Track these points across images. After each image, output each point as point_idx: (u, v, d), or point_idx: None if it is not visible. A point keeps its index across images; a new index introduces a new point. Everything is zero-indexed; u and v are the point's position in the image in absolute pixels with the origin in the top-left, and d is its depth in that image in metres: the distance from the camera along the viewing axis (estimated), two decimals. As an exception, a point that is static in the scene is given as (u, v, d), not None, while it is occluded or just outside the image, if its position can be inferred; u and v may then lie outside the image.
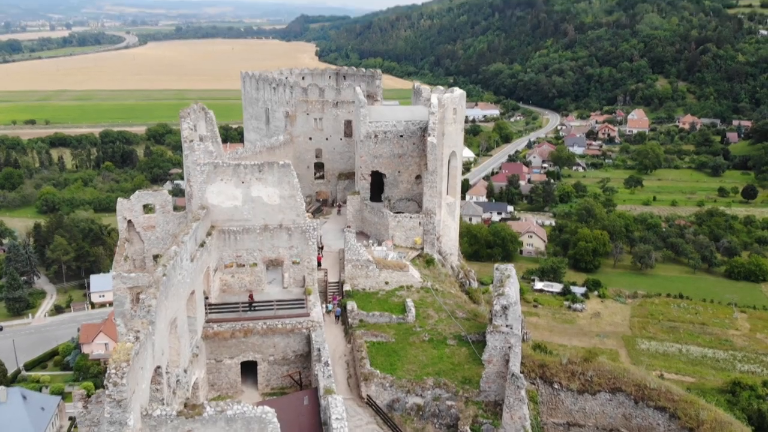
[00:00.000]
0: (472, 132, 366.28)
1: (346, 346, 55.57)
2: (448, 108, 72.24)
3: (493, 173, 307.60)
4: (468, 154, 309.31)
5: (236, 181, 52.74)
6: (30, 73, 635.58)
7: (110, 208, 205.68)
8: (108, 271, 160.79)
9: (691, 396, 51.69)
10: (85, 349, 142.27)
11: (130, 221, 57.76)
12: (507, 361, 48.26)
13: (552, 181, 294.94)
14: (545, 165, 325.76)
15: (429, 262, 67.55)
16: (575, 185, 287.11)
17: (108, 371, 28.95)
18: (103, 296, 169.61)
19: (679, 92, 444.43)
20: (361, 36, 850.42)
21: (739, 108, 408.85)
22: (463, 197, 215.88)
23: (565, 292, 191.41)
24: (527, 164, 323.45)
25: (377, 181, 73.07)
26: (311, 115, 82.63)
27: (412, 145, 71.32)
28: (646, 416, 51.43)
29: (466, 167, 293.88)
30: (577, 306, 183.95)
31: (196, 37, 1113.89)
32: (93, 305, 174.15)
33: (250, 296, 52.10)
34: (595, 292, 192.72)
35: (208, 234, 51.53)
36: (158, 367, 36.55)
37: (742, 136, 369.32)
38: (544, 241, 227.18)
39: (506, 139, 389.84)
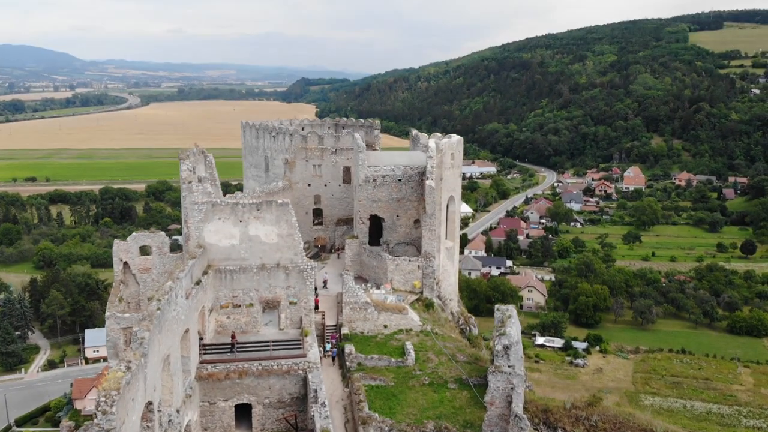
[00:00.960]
0: (469, 188, 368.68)
1: (344, 390, 54.11)
2: (446, 153, 72.55)
3: (491, 228, 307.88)
4: (466, 209, 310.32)
5: (234, 220, 52.43)
6: (32, 132, 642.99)
7: (108, 264, 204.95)
8: (103, 326, 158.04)
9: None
10: (78, 405, 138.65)
11: (126, 263, 57.28)
12: (509, 403, 46.94)
13: (550, 236, 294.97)
14: (543, 221, 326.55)
15: (428, 305, 66.57)
16: (574, 240, 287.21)
17: (97, 399, 27.96)
18: (98, 351, 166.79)
19: (675, 150, 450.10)
20: (360, 97, 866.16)
21: (734, 165, 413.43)
22: (461, 251, 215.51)
23: (567, 348, 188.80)
24: (525, 220, 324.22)
25: (376, 225, 72.81)
26: (310, 161, 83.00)
27: (410, 190, 71.35)
28: (654, 461, 49.70)
29: (464, 222, 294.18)
30: (579, 361, 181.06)
31: (197, 99, 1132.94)
32: (87, 360, 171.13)
33: (233, 337, 50.98)
34: (597, 348, 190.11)
35: (205, 273, 50.87)
36: (150, 403, 35.40)
37: (739, 192, 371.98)
38: (545, 296, 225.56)
39: (503, 195, 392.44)
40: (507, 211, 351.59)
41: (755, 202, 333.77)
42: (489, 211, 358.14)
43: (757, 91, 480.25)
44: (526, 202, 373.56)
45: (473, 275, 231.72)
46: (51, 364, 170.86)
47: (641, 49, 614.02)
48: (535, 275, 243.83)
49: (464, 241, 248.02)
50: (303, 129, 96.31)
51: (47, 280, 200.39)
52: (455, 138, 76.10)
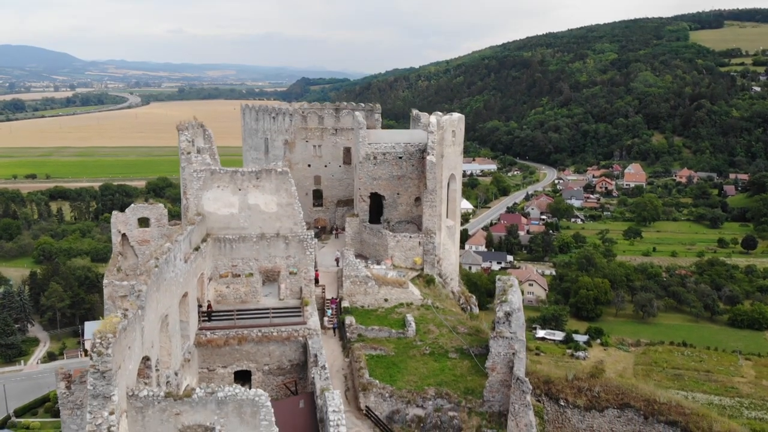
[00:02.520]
0: (470, 185, 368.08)
1: (344, 360, 53.69)
2: (447, 130, 72.14)
3: (491, 224, 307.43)
4: (466, 205, 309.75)
5: (233, 188, 52.03)
6: (32, 131, 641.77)
7: (107, 258, 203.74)
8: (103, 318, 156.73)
9: (703, 409, 49.73)
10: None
11: (124, 235, 56.81)
12: (511, 369, 46.47)
13: (551, 231, 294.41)
14: (544, 217, 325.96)
15: (429, 281, 66.14)
16: (574, 236, 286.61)
17: (93, 341, 27.52)
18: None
19: (675, 147, 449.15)
20: (361, 96, 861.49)
21: (735, 162, 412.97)
22: (462, 246, 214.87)
23: (568, 340, 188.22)
24: (526, 215, 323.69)
25: (376, 204, 72.33)
26: (310, 142, 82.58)
27: (411, 167, 70.88)
28: None
29: (465, 218, 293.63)
30: (580, 354, 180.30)
31: (198, 98, 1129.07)
32: (86, 352, 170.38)
33: (209, 305, 50.11)
34: (598, 340, 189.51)
35: (204, 241, 50.43)
36: (147, 359, 34.97)
37: (740, 189, 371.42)
38: (545, 290, 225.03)
39: (504, 192, 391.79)
40: (507, 208, 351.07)
41: (756, 198, 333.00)
42: (489, 207, 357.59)
43: (758, 89, 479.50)
44: (527, 198, 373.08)
45: (474, 270, 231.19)
46: (50, 356, 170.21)
47: (642, 48, 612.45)
48: (535, 270, 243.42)
49: (465, 237, 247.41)
50: (303, 112, 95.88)
51: (47, 273, 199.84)
52: (456, 115, 75.70)
